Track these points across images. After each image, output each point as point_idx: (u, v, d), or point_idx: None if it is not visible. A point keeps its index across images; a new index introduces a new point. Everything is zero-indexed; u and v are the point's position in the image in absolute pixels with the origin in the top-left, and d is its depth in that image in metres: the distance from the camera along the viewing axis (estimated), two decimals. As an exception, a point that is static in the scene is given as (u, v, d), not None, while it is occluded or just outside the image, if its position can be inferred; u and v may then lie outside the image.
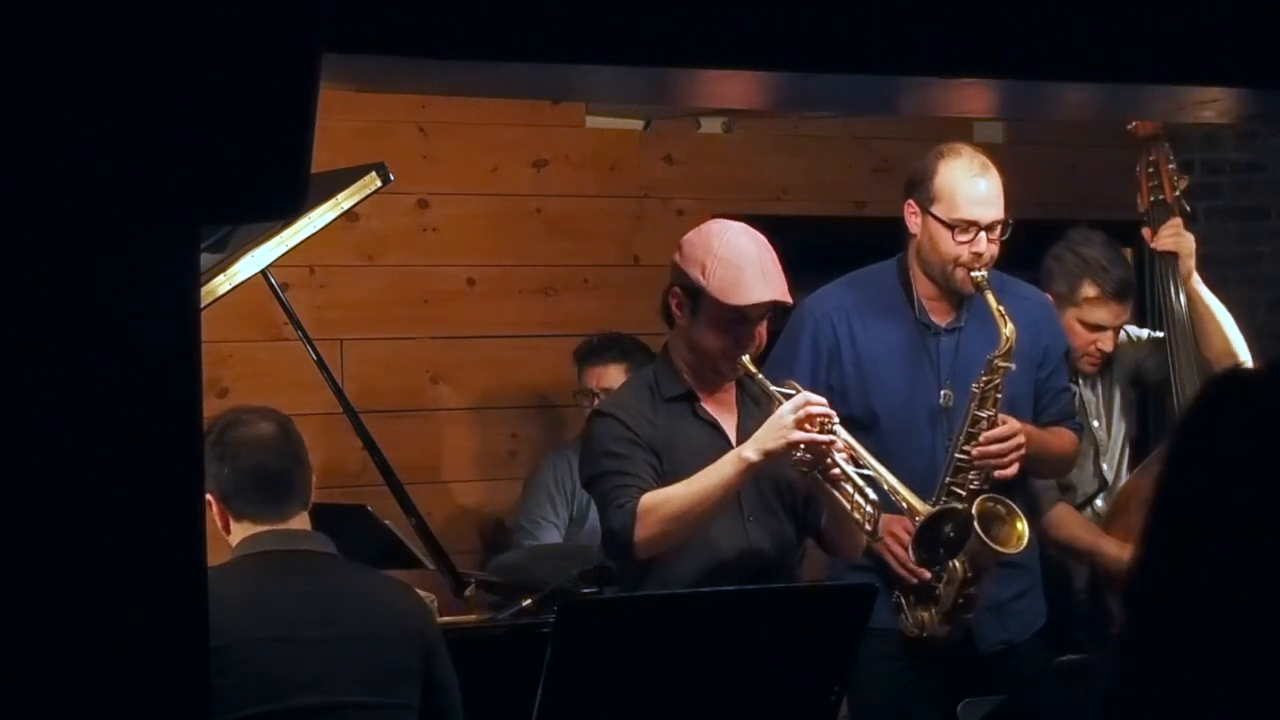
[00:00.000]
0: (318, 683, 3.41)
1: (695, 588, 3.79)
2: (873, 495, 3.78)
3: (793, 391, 3.87)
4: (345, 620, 3.47)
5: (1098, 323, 4.83)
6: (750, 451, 3.78)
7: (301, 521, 3.55)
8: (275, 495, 3.51)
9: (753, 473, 3.81)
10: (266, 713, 3.36)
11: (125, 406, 1.86)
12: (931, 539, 3.94)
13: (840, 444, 3.80)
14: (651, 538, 3.80)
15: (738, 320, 3.89)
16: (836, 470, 3.78)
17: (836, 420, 3.82)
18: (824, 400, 3.83)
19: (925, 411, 4.30)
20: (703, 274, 3.89)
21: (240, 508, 3.51)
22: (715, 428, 3.98)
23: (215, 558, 2.85)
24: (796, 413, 3.76)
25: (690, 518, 3.79)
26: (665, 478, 3.87)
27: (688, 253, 3.94)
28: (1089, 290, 4.82)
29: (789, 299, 3.95)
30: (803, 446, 3.77)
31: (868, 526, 3.78)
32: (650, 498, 3.81)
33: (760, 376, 3.92)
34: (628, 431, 3.90)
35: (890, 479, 3.89)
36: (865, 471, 3.83)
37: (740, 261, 3.88)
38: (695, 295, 3.91)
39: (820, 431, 3.77)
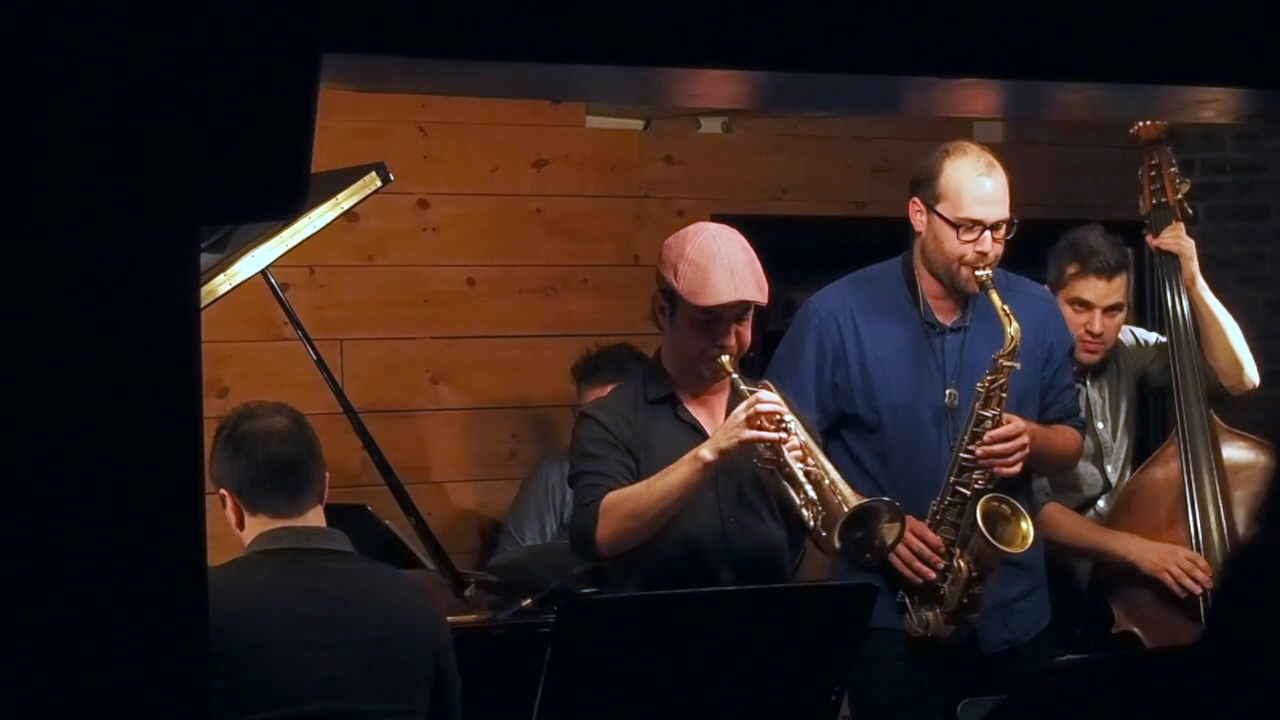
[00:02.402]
0: (333, 688, 3.40)
1: (675, 589, 3.79)
2: (812, 493, 3.77)
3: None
4: (361, 625, 3.46)
5: (1081, 298, 4.81)
6: (706, 451, 3.80)
7: (317, 517, 3.53)
8: (291, 486, 3.50)
9: (710, 472, 3.81)
10: (282, 717, 3.35)
11: (125, 406, 1.86)
12: (862, 539, 3.85)
13: (794, 442, 3.81)
14: (612, 535, 3.83)
15: (711, 321, 3.90)
16: (789, 468, 3.79)
17: (790, 418, 3.82)
18: (776, 398, 3.83)
19: (930, 411, 4.30)
20: (675, 276, 3.92)
21: (255, 500, 3.50)
22: (696, 429, 3.99)
23: (216, 557, 2.85)
24: (746, 411, 3.77)
25: (650, 516, 3.81)
26: (642, 478, 3.89)
27: (665, 257, 3.98)
28: (1071, 268, 4.83)
29: (762, 299, 3.94)
30: (764, 445, 3.78)
31: (811, 523, 3.77)
32: (612, 496, 3.84)
33: (736, 377, 3.93)
34: (605, 432, 3.94)
35: (832, 474, 3.84)
36: (810, 468, 3.82)
37: (708, 263, 3.90)
38: (672, 298, 3.95)
39: (776, 429, 3.77)
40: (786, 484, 3.81)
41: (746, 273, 3.91)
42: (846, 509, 3.78)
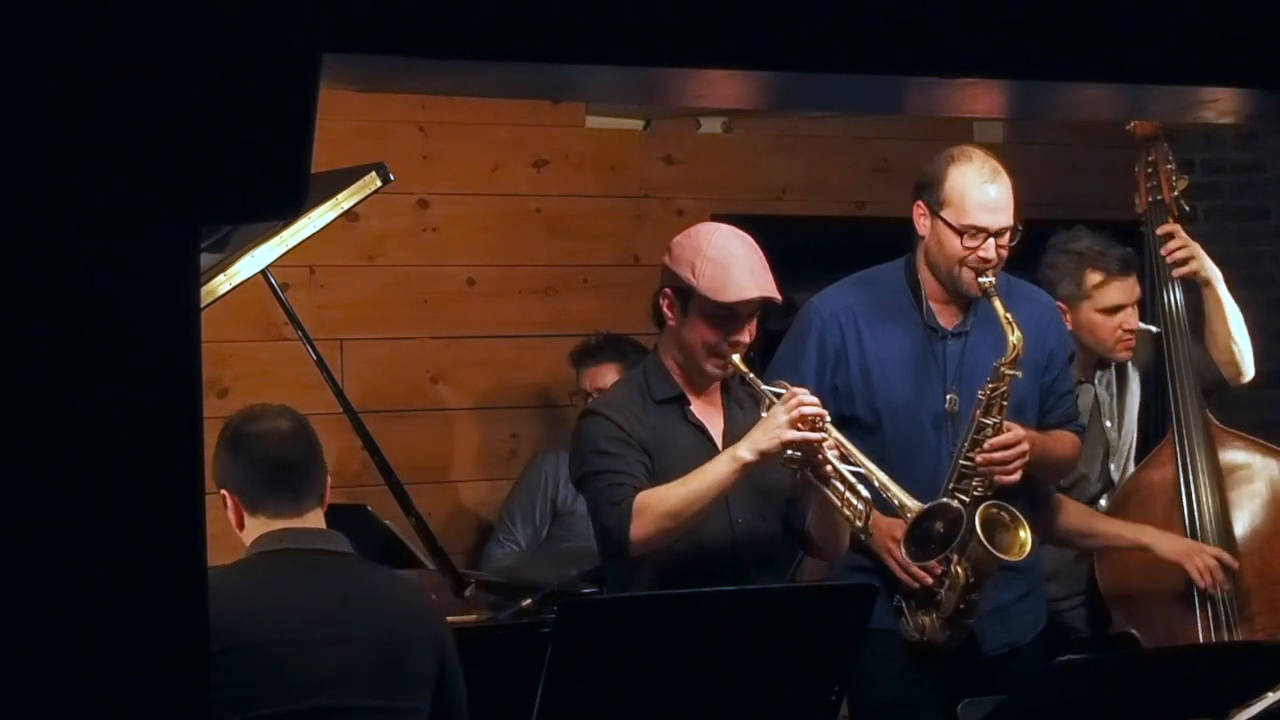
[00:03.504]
0: (334, 685, 3.41)
1: (681, 588, 3.79)
2: (864, 492, 3.79)
3: (783, 390, 3.88)
4: (362, 622, 3.47)
5: (1115, 304, 4.82)
6: (745, 451, 3.80)
7: (317, 519, 3.55)
8: (291, 486, 3.51)
9: (746, 472, 3.81)
10: (283, 713, 3.36)
11: (125, 406, 1.85)
12: (922, 536, 3.93)
13: (831, 441, 3.82)
14: (647, 535, 3.82)
15: (727, 318, 3.91)
16: (828, 467, 3.79)
17: (828, 418, 3.83)
18: (816, 399, 3.84)
19: (930, 415, 4.30)
20: (693, 273, 3.92)
21: (254, 499, 3.51)
22: (702, 431, 4.00)
23: (216, 557, 2.85)
24: (790, 412, 3.78)
25: (685, 516, 3.81)
26: (654, 478, 3.88)
27: (677, 254, 3.97)
28: (1094, 277, 4.82)
29: (777, 296, 3.96)
30: (795, 445, 3.79)
31: (858, 523, 3.78)
32: (645, 496, 3.82)
33: (751, 375, 3.94)
34: (620, 431, 3.93)
35: (881, 476, 3.88)
36: (857, 469, 3.83)
37: (728, 261, 3.91)
38: (686, 295, 3.94)
39: (812, 430, 3.78)
40: (820, 484, 3.81)
41: (763, 271, 3.94)
42: (909, 514, 3.81)
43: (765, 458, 3.79)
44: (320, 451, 3.59)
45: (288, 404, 3.71)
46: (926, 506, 3.84)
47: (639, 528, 3.81)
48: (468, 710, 3.61)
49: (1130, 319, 4.85)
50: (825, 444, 3.80)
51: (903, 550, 4.00)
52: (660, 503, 3.81)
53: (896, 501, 3.86)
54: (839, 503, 3.79)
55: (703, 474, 3.81)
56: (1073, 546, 4.81)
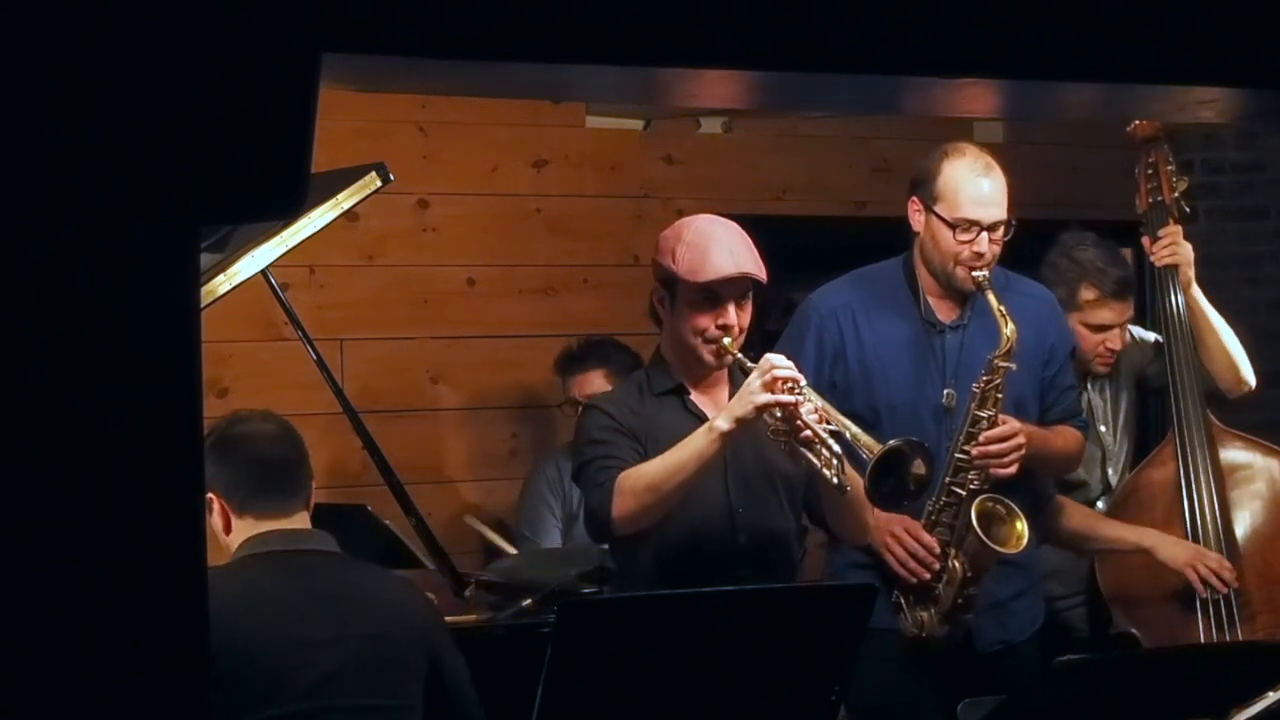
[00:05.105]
0: (327, 684, 3.41)
1: (683, 579, 3.80)
2: (835, 447, 3.77)
3: None
4: (354, 621, 3.48)
5: (1101, 323, 4.83)
6: (721, 420, 3.80)
7: (304, 520, 3.56)
8: (280, 488, 3.52)
9: (726, 443, 3.80)
10: (277, 715, 3.36)
11: (125, 406, 1.85)
12: (894, 485, 3.87)
13: (810, 407, 3.80)
14: (628, 512, 3.82)
15: (711, 300, 3.92)
16: (807, 431, 3.78)
17: (804, 383, 3.82)
18: (790, 363, 3.83)
19: (929, 409, 4.30)
20: (673, 260, 3.94)
21: (242, 501, 3.51)
22: (703, 420, 3.99)
23: (213, 558, 2.85)
24: (762, 377, 3.77)
25: (665, 490, 3.81)
26: None
27: (662, 245, 4.01)
28: (1088, 293, 4.82)
29: (760, 274, 3.95)
30: (778, 412, 3.77)
31: (834, 480, 3.76)
32: (626, 474, 3.84)
33: (739, 356, 3.93)
34: (611, 420, 3.95)
35: (852, 428, 3.85)
36: (832, 427, 3.82)
37: (706, 243, 3.93)
38: (671, 284, 3.96)
39: (788, 394, 3.77)
40: (804, 449, 3.80)
41: (744, 252, 3.94)
42: (872, 456, 3.78)
43: (741, 424, 3.78)
44: (306, 455, 3.60)
45: (288, 404, 3.73)
46: (887, 447, 3.79)
47: (619, 505, 3.82)
48: (480, 705, 3.61)
49: (1115, 340, 4.85)
50: (803, 408, 3.78)
51: (866, 490, 3.89)
52: (639, 478, 3.82)
53: (863, 451, 3.81)
54: (819, 464, 3.78)
55: (682, 447, 3.82)
56: (1075, 550, 4.81)
